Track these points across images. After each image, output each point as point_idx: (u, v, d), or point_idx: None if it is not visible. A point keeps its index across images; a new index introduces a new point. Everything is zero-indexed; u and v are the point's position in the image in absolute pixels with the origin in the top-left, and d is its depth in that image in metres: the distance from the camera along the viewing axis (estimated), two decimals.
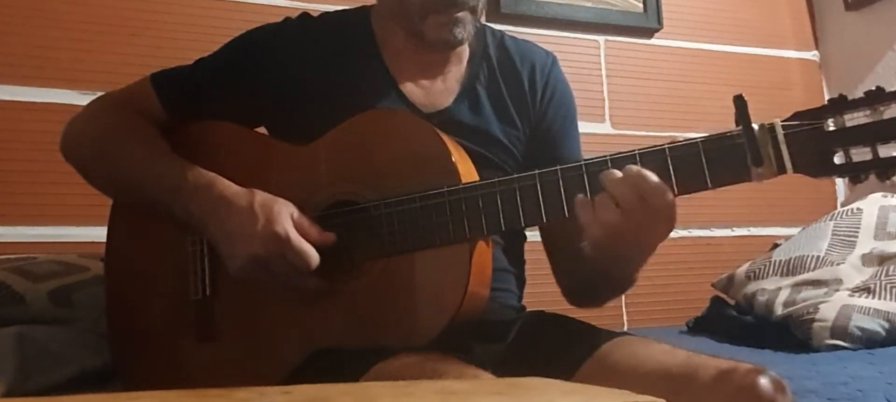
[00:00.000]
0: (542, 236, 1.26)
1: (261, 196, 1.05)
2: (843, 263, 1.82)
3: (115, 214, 1.23)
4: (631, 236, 0.94)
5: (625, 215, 0.92)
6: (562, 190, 0.99)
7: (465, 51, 1.23)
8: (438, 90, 1.20)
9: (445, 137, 1.07)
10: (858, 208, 2.00)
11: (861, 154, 0.89)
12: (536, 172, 1.01)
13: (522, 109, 1.23)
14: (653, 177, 0.92)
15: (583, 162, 0.99)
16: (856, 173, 0.89)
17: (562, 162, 1.01)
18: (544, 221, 1.01)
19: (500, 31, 1.29)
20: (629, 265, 1.05)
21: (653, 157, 0.95)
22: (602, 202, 0.94)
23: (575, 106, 1.30)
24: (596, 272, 1.09)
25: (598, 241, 0.96)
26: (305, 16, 1.25)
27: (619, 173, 0.93)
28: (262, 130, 1.24)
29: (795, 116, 0.92)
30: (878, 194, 2.05)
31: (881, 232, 1.90)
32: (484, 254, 1.04)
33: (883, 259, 1.80)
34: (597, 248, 0.99)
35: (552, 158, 1.19)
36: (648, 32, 2.53)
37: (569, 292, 1.25)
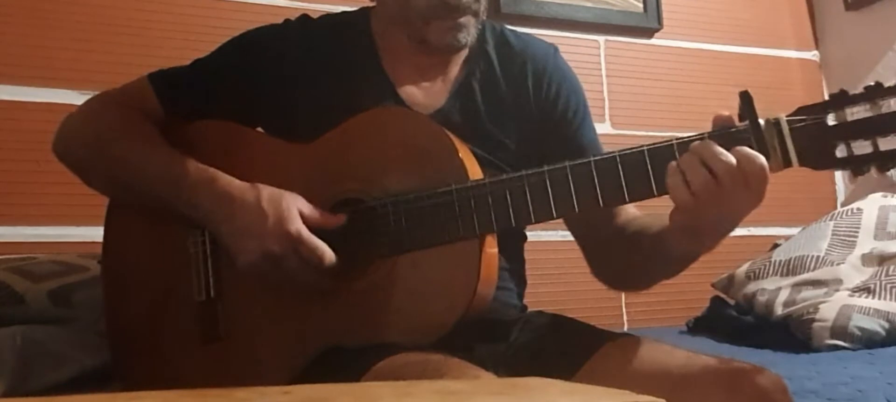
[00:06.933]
0: (570, 228, 1.24)
1: (267, 191, 1.05)
2: (843, 263, 1.83)
3: (111, 214, 1.22)
4: (723, 206, 0.91)
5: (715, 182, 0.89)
6: (571, 185, 0.99)
7: (464, 51, 1.23)
8: (437, 92, 1.20)
9: (451, 135, 1.07)
10: (858, 208, 2.00)
11: (862, 147, 0.91)
12: (546, 168, 1.01)
13: (524, 103, 1.22)
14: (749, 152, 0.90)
15: (592, 158, 0.99)
16: (857, 166, 0.91)
17: (584, 149, 1.00)
18: (554, 216, 1.01)
19: (500, 25, 1.29)
20: (706, 237, 0.98)
21: (660, 152, 0.96)
22: (689, 164, 0.91)
23: (584, 93, 1.29)
24: (656, 251, 1.05)
25: (685, 205, 0.92)
26: (305, 18, 1.24)
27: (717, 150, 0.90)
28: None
29: (798, 111, 0.94)
30: (878, 194, 2.05)
31: (881, 232, 1.90)
32: (491, 251, 1.04)
33: (883, 259, 1.80)
34: (681, 215, 0.94)
35: (571, 146, 1.20)
36: (648, 32, 2.53)
37: (611, 279, 1.21)
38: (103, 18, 1.90)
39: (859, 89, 0.92)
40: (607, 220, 1.17)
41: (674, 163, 0.92)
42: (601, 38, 2.47)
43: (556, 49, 1.29)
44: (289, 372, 1.04)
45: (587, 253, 1.23)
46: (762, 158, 0.90)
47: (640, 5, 2.51)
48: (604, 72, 2.46)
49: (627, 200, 0.98)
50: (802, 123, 0.92)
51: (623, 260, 1.16)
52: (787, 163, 0.93)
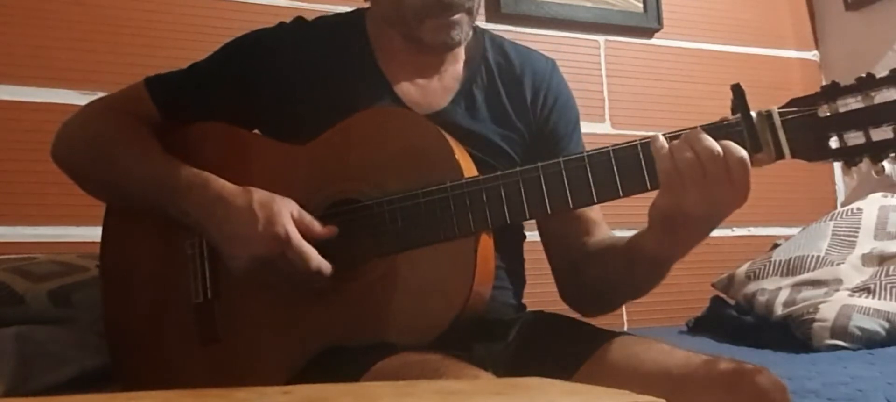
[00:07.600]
0: (544, 239, 1.25)
1: (259, 195, 1.05)
2: (843, 263, 1.82)
3: (108, 218, 1.22)
4: (706, 192, 0.91)
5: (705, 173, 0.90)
6: (565, 182, 1.00)
7: (460, 51, 1.23)
8: (434, 91, 1.20)
9: (448, 135, 1.07)
10: (858, 208, 2.00)
11: (855, 138, 0.91)
12: (540, 164, 1.01)
13: (522, 114, 1.23)
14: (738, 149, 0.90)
15: (585, 154, 1.00)
16: (850, 157, 0.92)
17: None
18: (548, 212, 1.01)
19: (499, 37, 1.30)
20: (682, 235, 0.98)
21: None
22: (680, 150, 0.91)
23: (577, 110, 1.31)
24: (626, 262, 1.06)
25: (670, 181, 0.92)
26: (300, 20, 1.25)
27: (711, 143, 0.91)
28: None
29: (790, 103, 0.94)
30: (878, 194, 2.05)
31: (881, 232, 1.90)
32: (487, 250, 1.04)
33: (883, 259, 1.80)
34: (665, 198, 0.94)
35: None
36: (648, 32, 2.53)
37: (577, 297, 1.22)
38: (103, 18, 1.90)
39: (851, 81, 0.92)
40: (580, 236, 1.19)
41: (666, 147, 0.93)
42: (601, 38, 2.47)
43: (554, 63, 1.30)
44: (287, 372, 1.04)
45: (558, 276, 1.24)
46: (743, 150, 0.90)
47: (640, 5, 2.51)
48: (604, 72, 2.46)
49: (621, 193, 0.98)
50: (794, 115, 0.93)
51: (591, 279, 1.16)
52: (780, 155, 0.93)
